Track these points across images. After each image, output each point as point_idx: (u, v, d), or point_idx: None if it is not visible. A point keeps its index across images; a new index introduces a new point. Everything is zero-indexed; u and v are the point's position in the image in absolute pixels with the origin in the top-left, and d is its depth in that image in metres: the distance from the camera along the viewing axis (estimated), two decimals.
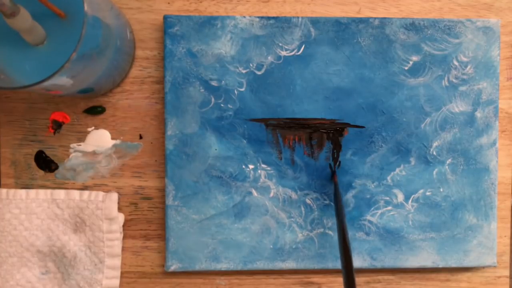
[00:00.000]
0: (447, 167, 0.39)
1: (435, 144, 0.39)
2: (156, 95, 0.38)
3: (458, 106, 0.38)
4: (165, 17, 0.37)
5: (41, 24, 0.27)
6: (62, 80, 0.28)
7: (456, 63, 0.38)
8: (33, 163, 0.38)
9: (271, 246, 0.38)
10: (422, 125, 0.38)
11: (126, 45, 0.36)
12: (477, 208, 0.39)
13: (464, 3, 0.39)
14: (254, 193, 0.38)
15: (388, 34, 0.38)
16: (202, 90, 0.37)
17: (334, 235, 0.38)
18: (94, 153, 0.38)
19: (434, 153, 0.39)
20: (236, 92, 0.37)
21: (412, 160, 0.39)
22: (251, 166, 0.38)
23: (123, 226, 0.39)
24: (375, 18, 0.37)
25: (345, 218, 0.35)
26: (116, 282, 0.38)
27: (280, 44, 0.37)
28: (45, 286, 0.38)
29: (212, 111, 0.37)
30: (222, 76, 0.37)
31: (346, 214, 0.38)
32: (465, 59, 0.38)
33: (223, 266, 0.38)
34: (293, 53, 0.37)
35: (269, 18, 0.37)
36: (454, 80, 0.38)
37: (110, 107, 0.38)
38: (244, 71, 0.37)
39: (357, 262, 0.39)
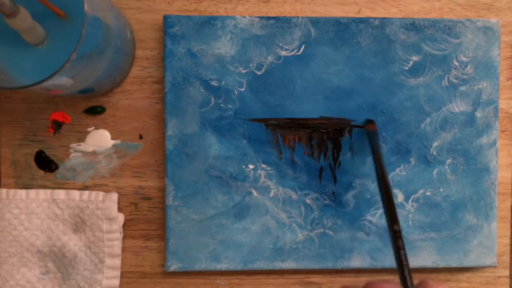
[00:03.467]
0: (447, 167, 0.39)
1: (435, 144, 0.39)
2: (156, 95, 0.38)
3: (458, 106, 0.38)
4: (165, 17, 0.37)
5: (41, 24, 0.27)
6: (62, 80, 0.28)
7: (456, 63, 0.38)
8: (33, 163, 0.38)
9: (271, 246, 0.38)
10: (422, 125, 0.38)
11: (126, 45, 0.36)
12: (477, 208, 0.39)
13: (464, 3, 0.39)
14: (254, 193, 0.38)
15: (388, 34, 0.38)
16: (202, 90, 0.37)
17: (334, 235, 0.38)
18: (94, 153, 0.38)
19: (434, 153, 0.39)
20: (236, 92, 0.37)
21: (412, 160, 0.38)
22: (251, 166, 0.38)
23: (123, 226, 0.39)
24: (375, 18, 0.37)
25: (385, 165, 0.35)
26: (116, 282, 0.38)
27: (280, 44, 0.37)
28: (45, 286, 0.38)
29: (212, 111, 0.37)
30: (222, 76, 0.37)
31: (347, 214, 0.38)
32: (465, 59, 0.38)
33: (223, 266, 0.38)
34: (293, 53, 0.37)
35: (269, 18, 0.37)
36: (454, 80, 0.38)
37: (110, 107, 0.38)
38: (244, 71, 0.37)
39: (357, 262, 0.39)
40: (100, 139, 0.38)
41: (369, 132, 0.37)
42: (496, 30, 0.38)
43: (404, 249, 0.30)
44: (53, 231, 0.37)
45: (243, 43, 0.37)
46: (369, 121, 0.38)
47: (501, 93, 0.40)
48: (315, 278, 0.40)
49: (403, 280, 0.29)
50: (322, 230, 0.38)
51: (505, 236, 0.41)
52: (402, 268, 0.30)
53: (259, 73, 0.37)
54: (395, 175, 0.38)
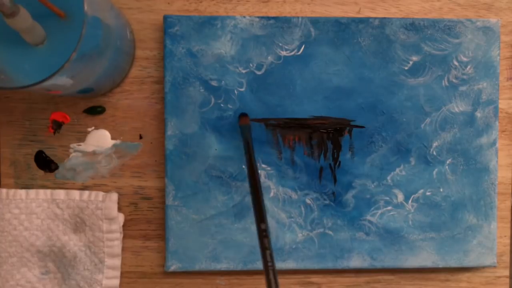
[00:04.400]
0: (447, 167, 0.39)
1: (435, 144, 0.39)
2: (156, 95, 0.38)
3: (458, 106, 0.38)
4: (165, 17, 0.37)
5: (41, 24, 0.27)
6: (62, 80, 0.28)
7: (456, 63, 0.38)
8: (33, 163, 0.38)
9: None
10: (422, 125, 0.38)
11: (126, 45, 0.36)
12: (477, 208, 0.39)
13: (464, 3, 0.39)
14: None
15: (388, 34, 0.38)
16: (202, 90, 0.37)
17: (334, 235, 0.38)
18: (94, 153, 0.38)
19: (434, 153, 0.39)
20: (236, 92, 0.37)
21: (412, 160, 0.39)
22: None
23: (123, 226, 0.39)
24: (375, 18, 0.37)
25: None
26: (116, 282, 0.38)
27: (280, 44, 0.37)
28: (45, 286, 0.38)
29: (212, 111, 0.37)
30: (222, 76, 0.37)
31: (346, 214, 0.38)
32: (465, 59, 0.38)
33: (223, 266, 0.38)
34: (293, 53, 0.37)
35: (269, 18, 0.37)
36: (454, 80, 0.38)
37: (110, 107, 0.38)
38: (244, 71, 0.37)
39: (357, 262, 0.39)
40: (100, 139, 0.38)
41: (242, 126, 0.36)
42: (496, 30, 0.38)
43: (270, 249, 0.28)
44: (53, 231, 0.37)
45: (243, 43, 0.37)
46: (243, 115, 0.37)
47: (501, 93, 0.40)
48: (315, 278, 0.40)
49: (268, 284, 0.27)
50: (322, 230, 0.38)
51: (505, 236, 0.41)
52: (267, 270, 0.28)
53: (259, 73, 0.37)
54: (395, 175, 0.38)
